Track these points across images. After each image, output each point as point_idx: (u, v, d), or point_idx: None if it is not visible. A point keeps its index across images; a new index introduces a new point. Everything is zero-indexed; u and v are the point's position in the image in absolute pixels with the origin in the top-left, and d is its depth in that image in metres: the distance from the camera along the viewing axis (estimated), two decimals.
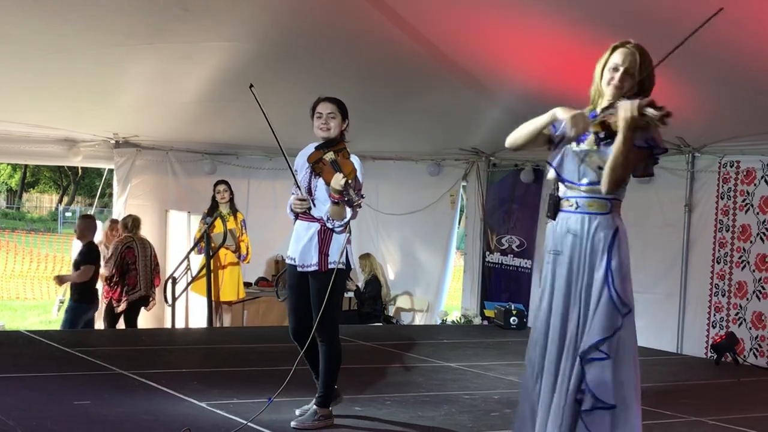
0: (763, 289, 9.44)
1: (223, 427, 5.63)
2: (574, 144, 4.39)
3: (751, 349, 9.50)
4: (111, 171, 12.33)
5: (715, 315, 9.86)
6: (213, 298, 10.65)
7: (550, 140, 4.50)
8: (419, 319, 13.09)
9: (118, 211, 11.73)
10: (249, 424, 5.65)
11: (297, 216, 5.85)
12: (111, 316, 10.58)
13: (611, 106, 4.29)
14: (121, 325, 10.65)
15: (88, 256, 10.49)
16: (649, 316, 10.18)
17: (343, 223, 5.66)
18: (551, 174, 4.47)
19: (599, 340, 4.22)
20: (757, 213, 9.53)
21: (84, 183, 44.49)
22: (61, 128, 11.24)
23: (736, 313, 9.65)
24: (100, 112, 10.74)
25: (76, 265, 10.59)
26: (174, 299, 10.93)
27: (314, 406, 5.79)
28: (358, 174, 5.67)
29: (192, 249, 10.94)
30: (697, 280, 10.03)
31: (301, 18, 8.39)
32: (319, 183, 5.73)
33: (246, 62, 9.24)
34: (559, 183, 4.46)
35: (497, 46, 8.58)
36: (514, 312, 11.48)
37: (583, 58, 8.22)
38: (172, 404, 6.29)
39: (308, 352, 5.88)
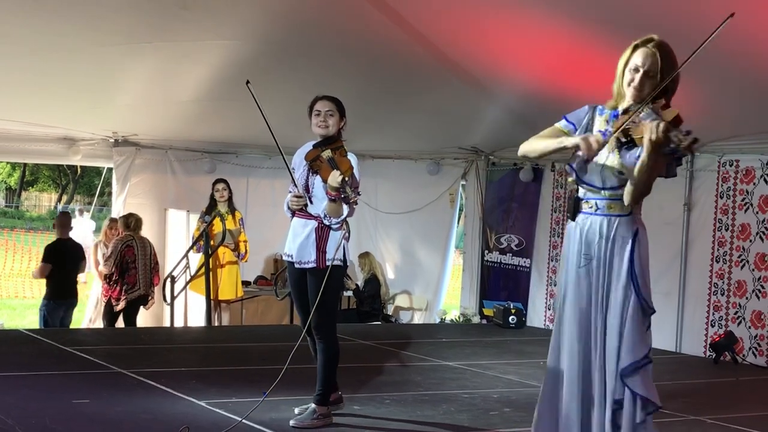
0: (763, 288, 9.44)
1: (222, 425, 5.63)
2: None
3: (750, 348, 9.50)
4: (110, 170, 12.32)
5: (714, 314, 9.86)
6: (211, 297, 10.66)
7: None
8: (418, 318, 13.09)
9: (117, 210, 11.72)
10: (243, 421, 5.65)
11: (294, 213, 5.88)
12: (110, 315, 10.58)
13: (630, 111, 4.18)
14: (120, 323, 10.65)
15: (46, 253, 10.52)
16: None
17: (339, 220, 5.69)
18: (572, 178, 4.39)
19: (647, 351, 4.18)
20: (757, 212, 9.53)
21: (83, 182, 44.48)
22: (60, 127, 11.23)
23: (735, 312, 9.65)
24: (99, 111, 10.74)
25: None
26: (173, 298, 10.94)
27: (313, 405, 5.80)
28: (355, 172, 5.68)
29: (191, 248, 10.94)
30: (696, 279, 10.03)
31: (300, 17, 8.39)
32: (317, 180, 5.76)
33: (245, 61, 9.23)
34: (579, 186, 4.40)
35: (497, 46, 8.58)
36: (512, 311, 11.48)
37: (582, 57, 8.25)
38: (170, 403, 6.29)
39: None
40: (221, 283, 10.75)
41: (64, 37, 8.62)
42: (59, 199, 45.15)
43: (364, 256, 12.41)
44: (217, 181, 10.88)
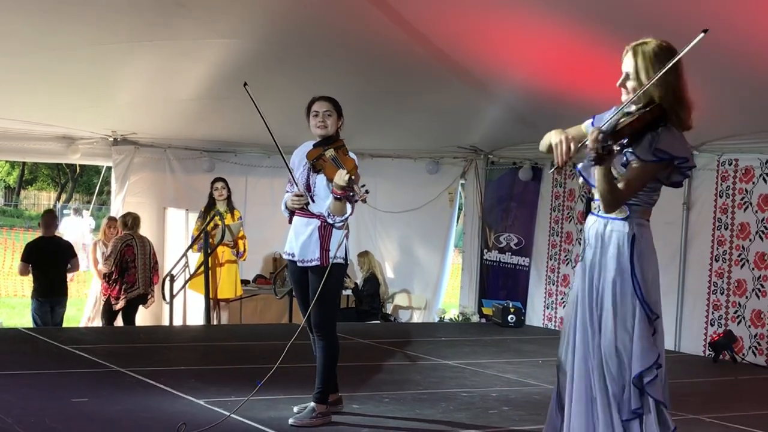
0: (762, 287, 9.44)
1: (221, 424, 5.63)
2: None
3: (750, 347, 9.50)
4: (109, 168, 12.31)
5: (713, 313, 9.86)
6: (211, 296, 10.66)
7: None
8: (417, 317, 13.09)
9: (116, 209, 11.72)
10: (243, 420, 5.66)
11: (291, 213, 5.91)
12: (109, 314, 10.57)
13: (615, 112, 4.09)
14: (119, 322, 10.65)
15: (25, 252, 10.59)
16: None
17: (344, 218, 5.74)
18: (581, 179, 4.29)
19: (657, 358, 4.15)
20: (756, 211, 9.53)
21: (82, 180, 44.47)
22: (59, 125, 11.22)
23: (735, 311, 9.65)
24: (98, 110, 10.73)
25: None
26: (172, 297, 10.93)
27: (312, 403, 5.80)
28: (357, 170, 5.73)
29: (190, 246, 10.93)
30: (695, 278, 10.04)
31: (299, 15, 8.38)
32: (318, 179, 5.80)
33: (244, 60, 9.23)
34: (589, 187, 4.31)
35: (496, 45, 8.57)
36: (511, 310, 11.48)
37: (582, 56, 8.25)
38: (169, 401, 6.29)
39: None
40: (220, 282, 10.75)
41: (63, 36, 8.62)
42: (58, 198, 45.13)
43: (363, 255, 12.41)
44: (216, 179, 10.88)
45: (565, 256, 11.56)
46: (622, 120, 4.03)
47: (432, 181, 13.13)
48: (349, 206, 5.72)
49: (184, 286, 11.08)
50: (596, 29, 7.42)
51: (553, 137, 4.04)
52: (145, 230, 11.04)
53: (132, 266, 10.48)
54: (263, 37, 8.88)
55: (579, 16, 7.43)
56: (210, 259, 10.56)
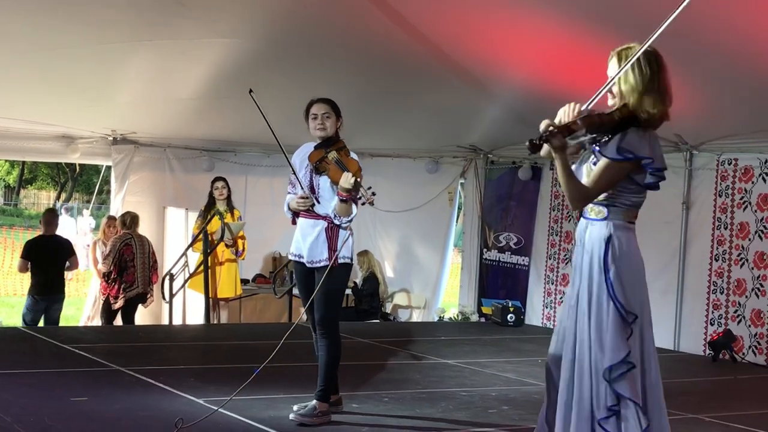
0: (762, 286, 9.44)
1: (221, 423, 5.63)
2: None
3: (749, 347, 9.51)
4: (109, 168, 12.30)
5: (713, 312, 9.87)
6: (210, 295, 10.66)
7: None
8: (417, 316, 13.09)
9: (116, 208, 11.71)
10: (243, 419, 5.65)
11: (295, 214, 5.95)
12: (108, 313, 10.57)
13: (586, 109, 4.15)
14: (118, 321, 10.65)
15: (24, 249, 10.58)
16: None
17: (350, 219, 5.82)
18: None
19: (627, 353, 4.12)
20: (755, 210, 9.54)
21: (82, 180, 44.46)
22: (59, 125, 11.22)
23: (735, 311, 9.65)
24: (98, 109, 10.73)
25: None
26: (171, 296, 10.93)
27: (314, 401, 5.83)
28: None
29: (190, 245, 10.93)
30: (694, 278, 10.04)
31: (299, 15, 8.38)
32: (322, 181, 5.86)
33: (244, 59, 9.23)
34: None
35: (496, 44, 8.57)
36: (511, 309, 11.48)
37: (582, 55, 8.24)
38: (169, 401, 6.29)
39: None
40: (220, 281, 10.75)
41: (63, 35, 8.62)
42: (58, 197, 45.12)
43: (363, 254, 12.41)
44: (217, 179, 10.87)
45: (565, 255, 11.57)
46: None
47: (431, 180, 13.13)
48: (354, 207, 5.81)
49: (183, 286, 11.08)
50: (596, 29, 7.42)
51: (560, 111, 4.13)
52: (145, 229, 11.04)
53: (131, 265, 10.48)
54: (263, 36, 8.87)
55: (579, 15, 7.43)
56: (210, 258, 10.56)
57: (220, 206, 10.72)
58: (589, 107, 4.11)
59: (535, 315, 11.95)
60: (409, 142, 12.46)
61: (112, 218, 11.39)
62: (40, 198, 48.79)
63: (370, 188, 5.67)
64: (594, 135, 4.16)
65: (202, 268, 10.59)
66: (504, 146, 12.26)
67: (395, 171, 13.03)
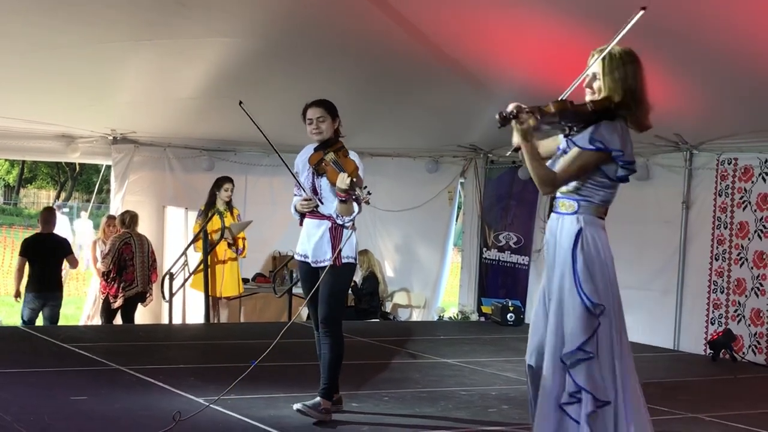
0: (761, 285, 9.45)
1: (220, 422, 5.63)
2: None
3: (749, 346, 9.51)
4: (109, 167, 12.30)
5: (713, 312, 9.86)
6: (213, 294, 10.68)
7: None
8: (416, 316, 13.09)
9: (116, 207, 11.71)
10: (242, 418, 5.65)
11: (302, 215, 6.04)
12: (108, 312, 10.57)
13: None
14: (118, 320, 10.65)
15: (21, 247, 10.62)
16: (645, 313, 10.20)
17: (352, 218, 5.90)
18: None
19: (583, 341, 4.23)
20: (755, 210, 9.53)
21: (81, 179, 44.48)
22: (59, 124, 11.21)
23: (735, 310, 9.65)
24: (97, 108, 10.72)
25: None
26: (171, 295, 10.93)
27: (318, 398, 5.88)
28: (360, 170, 5.86)
29: (189, 245, 10.93)
30: (694, 277, 10.04)
31: (299, 14, 8.38)
32: (323, 182, 5.95)
33: (244, 59, 9.23)
34: None
35: (496, 43, 8.57)
36: (511, 308, 11.48)
37: (582, 55, 8.22)
38: (169, 400, 6.29)
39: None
40: (224, 280, 10.75)
41: (63, 34, 8.62)
42: (57, 196, 45.13)
43: (363, 253, 12.40)
44: (225, 179, 10.80)
45: None
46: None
47: (431, 179, 13.12)
48: (356, 206, 5.88)
49: (183, 285, 11.08)
50: (597, 28, 7.40)
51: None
52: (145, 229, 11.04)
53: (130, 264, 10.48)
54: (263, 36, 8.87)
55: (579, 14, 7.43)
56: (210, 257, 10.56)
57: (220, 206, 10.71)
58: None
59: None
60: (409, 141, 12.46)
61: (111, 217, 11.39)
62: (39, 197, 48.81)
63: (365, 187, 5.74)
64: (568, 124, 4.35)
65: (203, 266, 10.59)
66: (504, 146, 12.17)
67: (395, 170, 13.03)
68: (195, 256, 10.98)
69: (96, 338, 9.24)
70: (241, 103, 6.10)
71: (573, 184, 4.35)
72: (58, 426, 5.44)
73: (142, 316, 11.10)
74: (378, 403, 6.47)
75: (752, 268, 9.52)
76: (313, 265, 5.99)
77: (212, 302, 10.79)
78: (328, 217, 5.93)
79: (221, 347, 9.13)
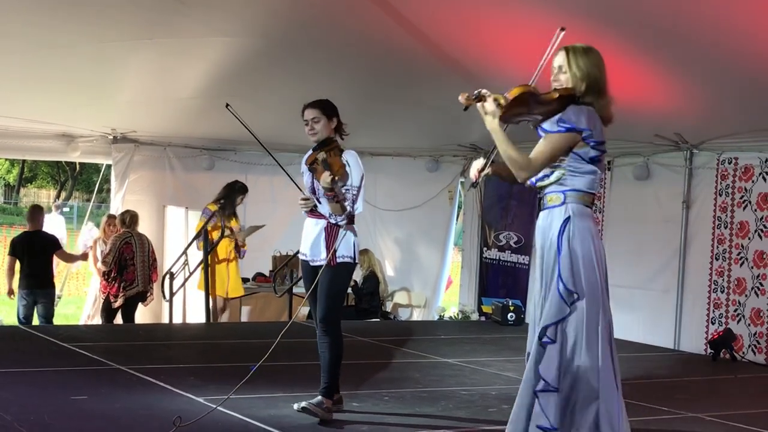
0: (761, 285, 9.44)
1: (220, 422, 5.63)
2: None
3: (749, 346, 9.50)
4: (109, 166, 12.31)
5: (714, 311, 9.86)
6: (221, 294, 10.69)
7: None
8: (417, 315, 13.09)
9: (116, 207, 11.72)
10: (242, 417, 5.65)
11: (309, 213, 6.13)
12: (108, 312, 10.58)
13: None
14: (118, 320, 10.65)
15: (10, 246, 10.61)
16: (645, 312, 10.20)
17: (344, 216, 5.91)
18: (528, 182, 4.70)
19: (546, 325, 4.38)
20: (755, 210, 9.53)
21: (82, 178, 44.46)
22: (59, 123, 11.22)
23: (735, 310, 9.65)
24: (98, 108, 10.73)
25: None
26: (172, 294, 10.94)
27: (319, 396, 5.90)
28: (353, 168, 5.90)
29: (189, 244, 10.93)
30: (695, 277, 10.03)
31: (299, 13, 8.38)
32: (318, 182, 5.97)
33: (245, 58, 9.22)
34: None
35: (496, 43, 8.57)
36: (511, 308, 11.47)
37: None
38: (169, 399, 6.29)
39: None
40: (231, 281, 10.76)
41: (63, 34, 8.62)
42: (57, 196, 45.11)
43: (363, 253, 12.40)
44: (246, 189, 10.84)
45: None
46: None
47: (432, 179, 13.13)
48: (354, 205, 5.93)
49: (183, 284, 11.08)
50: (597, 28, 7.41)
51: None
52: (145, 228, 11.04)
53: (131, 264, 10.48)
54: (263, 35, 8.87)
55: (579, 13, 7.42)
56: (215, 257, 10.58)
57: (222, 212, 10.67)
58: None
59: None
60: (409, 140, 12.46)
61: (112, 217, 11.39)
62: (40, 197, 48.76)
63: (343, 185, 5.80)
64: (534, 113, 4.54)
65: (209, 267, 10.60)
66: None
67: (395, 170, 13.04)
68: (197, 256, 10.97)
69: (96, 338, 9.24)
70: (228, 105, 6.16)
71: (555, 175, 4.47)
72: (59, 425, 5.44)
73: (142, 315, 11.10)
74: (378, 403, 6.47)
75: (752, 267, 9.52)
76: (311, 263, 6.04)
77: (220, 303, 10.81)
78: (326, 217, 5.98)
79: (221, 347, 9.13)
